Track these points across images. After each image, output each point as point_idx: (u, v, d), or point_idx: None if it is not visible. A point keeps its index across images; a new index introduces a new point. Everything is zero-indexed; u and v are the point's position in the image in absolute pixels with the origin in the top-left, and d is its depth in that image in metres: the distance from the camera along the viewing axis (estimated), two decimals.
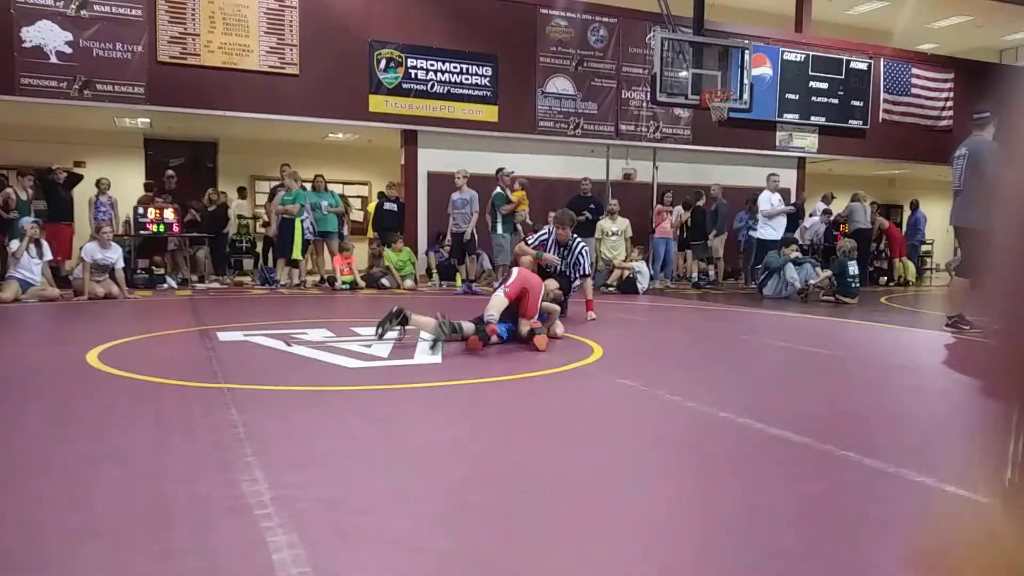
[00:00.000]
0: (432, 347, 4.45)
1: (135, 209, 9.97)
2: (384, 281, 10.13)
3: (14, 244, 7.79)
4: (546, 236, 6.58)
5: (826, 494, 2.17)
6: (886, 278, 13.10)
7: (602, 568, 1.65)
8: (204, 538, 1.75)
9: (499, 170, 9.79)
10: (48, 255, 8.05)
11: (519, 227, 9.80)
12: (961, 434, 2.98)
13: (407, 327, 4.81)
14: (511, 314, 4.85)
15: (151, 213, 9.90)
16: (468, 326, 4.65)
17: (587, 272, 6.62)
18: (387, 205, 11.08)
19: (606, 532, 1.86)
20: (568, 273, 6.47)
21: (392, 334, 4.80)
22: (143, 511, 1.91)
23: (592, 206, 10.82)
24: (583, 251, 6.55)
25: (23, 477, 2.18)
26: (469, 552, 1.73)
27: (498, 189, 9.68)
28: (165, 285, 9.69)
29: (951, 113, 15.05)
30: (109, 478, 2.16)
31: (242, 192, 13.09)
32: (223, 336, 5.13)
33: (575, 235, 6.62)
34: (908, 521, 2.00)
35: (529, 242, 6.62)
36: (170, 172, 11.01)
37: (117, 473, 2.21)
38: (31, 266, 7.78)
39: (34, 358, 4.58)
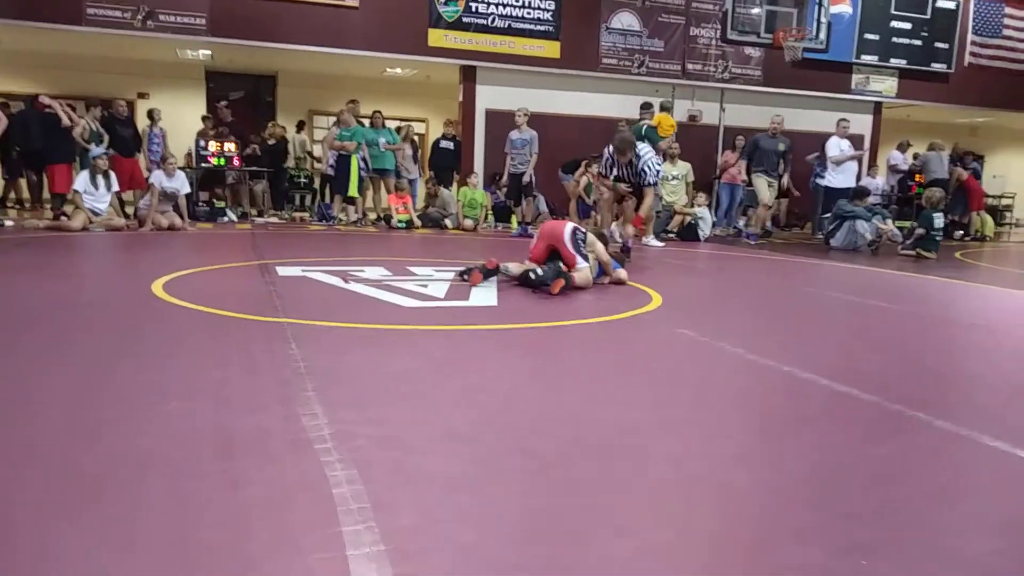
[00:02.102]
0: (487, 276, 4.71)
1: (196, 141, 10.12)
2: (447, 222, 10.12)
3: (84, 175, 8.01)
4: (610, 159, 6.88)
5: (894, 456, 2.08)
6: (962, 232, 12.48)
7: (662, 523, 1.61)
8: (266, 470, 1.77)
9: (645, 105, 9.48)
10: (115, 186, 8.26)
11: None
12: None
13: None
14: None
15: (212, 146, 10.04)
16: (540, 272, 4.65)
17: (651, 182, 6.80)
18: (443, 143, 10.99)
19: (666, 486, 1.83)
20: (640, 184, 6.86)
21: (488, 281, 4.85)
22: (207, 441, 1.95)
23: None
24: (648, 161, 6.76)
25: (91, 404, 2.25)
26: (526, 496, 1.72)
27: (647, 122, 9.28)
28: (225, 218, 9.88)
29: None
30: (174, 408, 2.21)
31: (300, 126, 13.10)
32: (282, 271, 5.21)
33: (637, 154, 6.81)
34: (979, 487, 1.91)
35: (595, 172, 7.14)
36: (223, 103, 11.05)
37: (182, 403, 2.26)
38: (99, 197, 8.01)
39: (102, 287, 4.74)
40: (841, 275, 6.70)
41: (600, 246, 5.10)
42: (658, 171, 7.25)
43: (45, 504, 1.56)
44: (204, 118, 10.87)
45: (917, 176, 11.41)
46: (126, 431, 2.01)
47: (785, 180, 10.49)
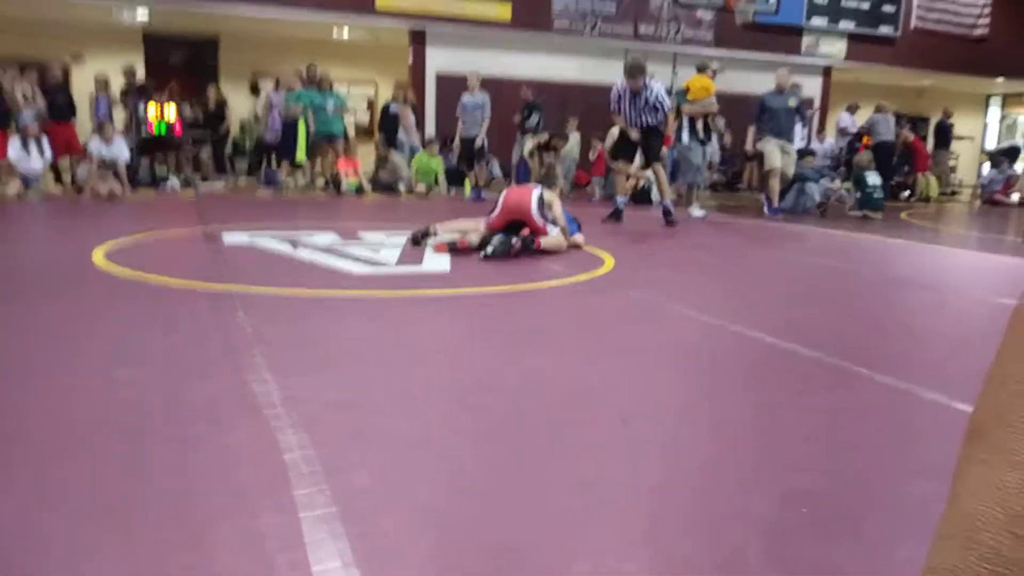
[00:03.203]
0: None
1: (135, 106, 9.73)
2: (401, 186, 9.99)
3: (14, 141, 7.66)
4: (619, 93, 6.75)
5: (835, 409, 2.16)
6: (908, 193, 12.83)
7: (610, 475, 1.65)
8: (217, 436, 1.75)
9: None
10: (49, 153, 7.93)
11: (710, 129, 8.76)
12: (975, 352, 2.95)
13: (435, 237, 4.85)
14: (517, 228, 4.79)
15: (152, 111, 9.68)
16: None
17: (666, 112, 6.81)
18: (393, 107, 10.79)
19: (614, 442, 1.86)
20: (653, 124, 6.73)
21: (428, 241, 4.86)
22: (154, 408, 1.91)
23: (532, 113, 10.16)
24: (659, 94, 6.66)
25: (40, 374, 2.19)
26: (478, 455, 1.74)
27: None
28: (168, 185, 9.58)
29: (987, 21, 14.34)
30: (124, 376, 2.16)
31: (255, 89, 12.36)
32: (228, 238, 5.08)
33: (647, 84, 6.70)
34: (916, 436, 1.99)
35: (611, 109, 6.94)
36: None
37: (130, 372, 2.21)
38: (33, 161, 7.68)
39: (40, 257, 4.56)
40: (789, 236, 6.84)
41: (557, 205, 5.08)
42: (670, 102, 7.10)
43: None
44: (141, 86, 10.42)
45: (865, 138, 11.66)
46: (70, 399, 1.96)
47: (798, 141, 9.53)
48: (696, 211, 8.11)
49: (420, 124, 11.13)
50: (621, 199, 7.21)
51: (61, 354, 2.39)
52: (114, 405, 1.93)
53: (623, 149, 7.16)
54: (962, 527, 0.45)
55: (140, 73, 11.52)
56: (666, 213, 7.04)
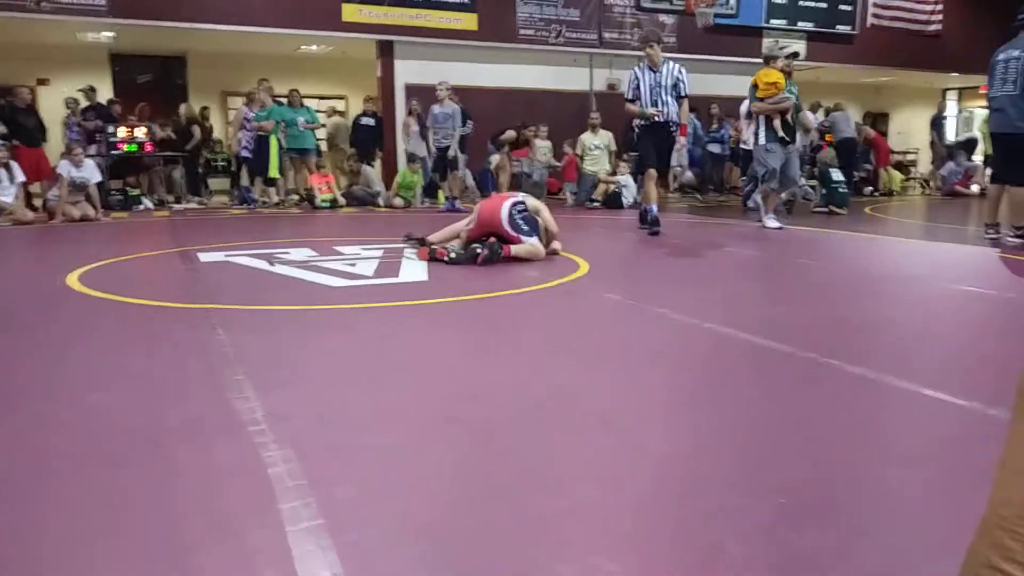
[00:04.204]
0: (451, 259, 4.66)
1: (104, 128, 9.64)
2: (379, 200, 10.00)
3: None
4: (635, 76, 6.39)
5: (810, 400, 2.21)
6: (871, 188, 13.09)
7: (593, 479, 1.68)
8: (201, 456, 1.76)
9: (780, 54, 7.47)
10: (20, 177, 7.83)
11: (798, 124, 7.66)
12: (941, 340, 3.05)
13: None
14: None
15: (121, 132, 9.60)
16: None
17: (686, 93, 6.38)
18: (364, 120, 10.79)
19: (594, 443, 1.89)
20: (670, 114, 6.33)
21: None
22: (139, 432, 1.91)
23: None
24: (680, 70, 6.32)
25: (18, 402, 2.18)
26: (460, 463, 1.76)
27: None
28: (141, 206, 9.50)
29: (940, 18, 14.71)
30: (102, 401, 2.16)
31: (205, 113, 12.07)
32: (204, 257, 5.07)
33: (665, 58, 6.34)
34: (889, 424, 2.06)
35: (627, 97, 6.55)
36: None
37: (109, 396, 2.20)
38: (4, 189, 7.58)
39: (13, 282, 4.51)
40: (758, 235, 6.95)
41: (545, 211, 5.14)
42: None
43: None
44: (110, 102, 10.34)
45: (827, 136, 11.89)
46: (48, 426, 1.96)
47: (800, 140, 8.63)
48: (771, 221, 7.12)
49: (391, 136, 11.14)
50: (653, 207, 6.69)
51: (38, 380, 2.38)
52: (94, 430, 1.93)
53: (647, 154, 6.64)
54: None
55: (108, 92, 11.43)
56: (653, 222, 6.61)
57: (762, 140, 7.09)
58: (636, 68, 6.49)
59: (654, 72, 6.28)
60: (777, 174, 7.05)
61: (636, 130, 6.82)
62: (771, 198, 7.32)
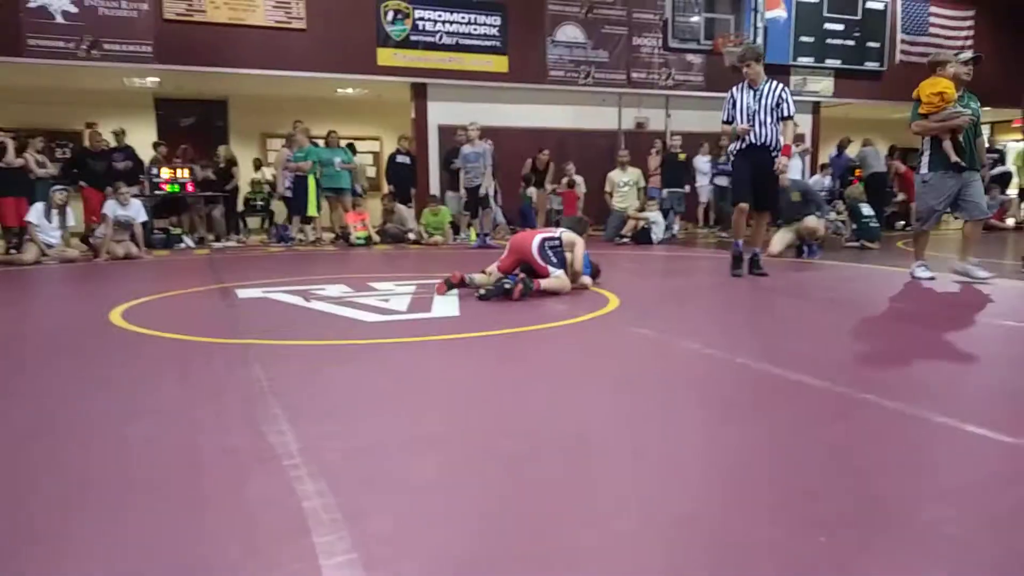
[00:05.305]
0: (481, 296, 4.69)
1: (148, 169, 9.98)
2: (411, 235, 10.17)
3: (38, 207, 7.83)
4: (731, 96, 5.90)
5: (847, 436, 2.17)
6: (903, 222, 12.93)
7: (628, 511, 1.67)
8: (236, 488, 1.78)
9: (950, 58, 6.06)
10: (71, 222, 8.11)
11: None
12: (981, 375, 2.98)
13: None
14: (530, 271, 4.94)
15: (164, 172, 9.91)
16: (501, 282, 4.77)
17: (790, 114, 5.82)
18: (399, 158, 11.01)
19: (630, 477, 1.88)
20: (772, 137, 5.78)
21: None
22: (176, 463, 1.95)
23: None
24: (784, 89, 5.83)
25: (60, 431, 2.23)
26: (494, 496, 1.76)
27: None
28: (182, 245, 9.75)
29: (970, 54, 14.63)
30: (140, 433, 2.21)
31: (257, 163, 12.55)
32: (242, 293, 5.18)
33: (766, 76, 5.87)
34: (929, 460, 2.02)
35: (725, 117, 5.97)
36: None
37: (147, 428, 2.25)
38: (50, 231, 7.85)
39: (58, 318, 4.65)
40: (790, 269, 6.90)
41: (579, 248, 5.16)
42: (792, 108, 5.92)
43: (11, 530, 1.55)
44: (155, 145, 10.72)
45: (857, 171, 11.84)
46: (89, 456, 2.00)
47: (795, 174, 8.53)
48: (921, 271, 5.80)
49: (425, 175, 11.34)
50: (739, 243, 6.10)
51: (78, 410, 2.44)
52: (130, 459, 1.97)
53: (739, 187, 6.06)
54: None
55: (152, 135, 11.84)
56: (735, 261, 6.08)
57: (924, 169, 5.68)
58: (733, 88, 5.99)
59: (754, 91, 5.81)
60: (936, 216, 5.70)
61: (731, 156, 6.17)
62: (922, 240, 5.90)
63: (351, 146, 10.99)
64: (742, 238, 6.07)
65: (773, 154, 5.88)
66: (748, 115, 5.81)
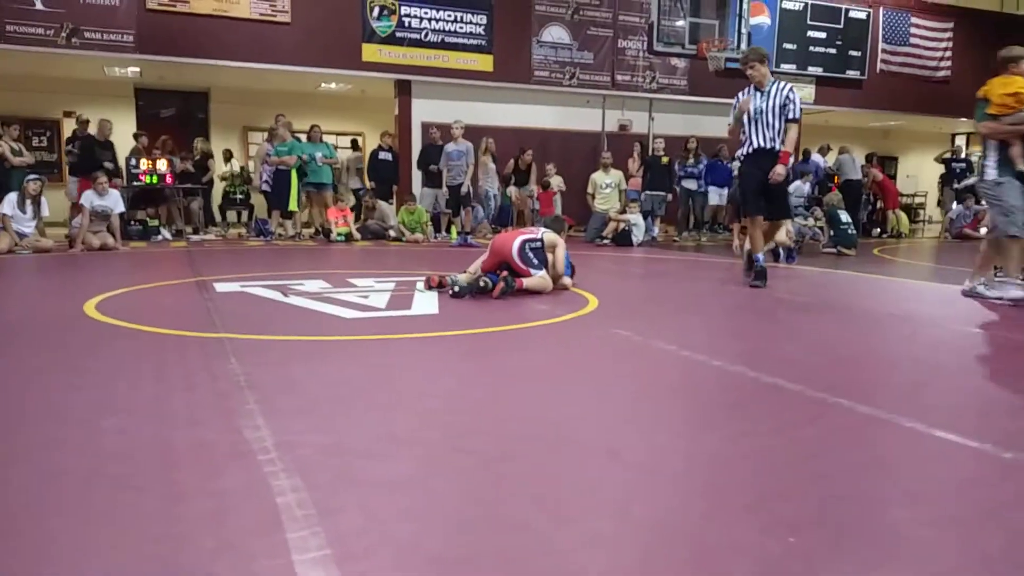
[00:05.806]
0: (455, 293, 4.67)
1: (127, 160, 9.86)
2: (391, 233, 10.14)
3: (11, 197, 7.71)
4: (739, 99, 5.74)
5: (819, 439, 2.20)
6: (879, 230, 13.13)
7: (599, 509, 1.68)
8: (210, 482, 1.78)
9: (1010, 59, 5.18)
10: (46, 212, 7.99)
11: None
12: (951, 381, 3.04)
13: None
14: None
15: (143, 164, 9.80)
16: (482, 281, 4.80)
17: (796, 116, 5.61)
18: (382, 155, 10.98)
19: (602, 475, 1.90)
20: (773, 142, 5.59)
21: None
22: (149, 456, 1.94)
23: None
24: (791, 89, 5.63)
25: (31, 424, 2.21)
26: (467, 493, 1.77)
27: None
28: (160, 237, 9.65)
29: (949, 64, 14.89)
30: (114, 425, 2.19)
31: (228, 154, 12.32)
32: (220, 287, 5.14)
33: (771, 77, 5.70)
34: (897, 464, 2.06)
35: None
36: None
37: (121, 420, 2.23)
38: (25, 222, 7.74)
39: (32, 309, 4.59)
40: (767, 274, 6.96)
41: (560, 249, 5.19)
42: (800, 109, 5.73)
43: None
44: (135, 135, 10.59)
45: (835, 178, 12.00)
46: (61, 449, 1.98)
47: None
48: (1016, 291, 5.11)
49: (407, 172, 11.31)
50: (760, 256, 5.87)
51: (50, 403, 2.41)
52: (104, 454, 1.95)
53: (750, 197, 5.82)
54: None
55: (132, 125, 11.71)
56: (757, 275, 5.77)
57: (991, 173, 5.10)
58: (741, 93, 5.84)
59: (761, 93, 5.65)
60: (1022, 214, 4.97)
61: (739, 160, 6.01)
62: (1014, 249, 5.05)
63: (354, 143, 10.92)
64: (761, 252, 5.86)
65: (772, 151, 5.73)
66: (756, 117, 5.66)
